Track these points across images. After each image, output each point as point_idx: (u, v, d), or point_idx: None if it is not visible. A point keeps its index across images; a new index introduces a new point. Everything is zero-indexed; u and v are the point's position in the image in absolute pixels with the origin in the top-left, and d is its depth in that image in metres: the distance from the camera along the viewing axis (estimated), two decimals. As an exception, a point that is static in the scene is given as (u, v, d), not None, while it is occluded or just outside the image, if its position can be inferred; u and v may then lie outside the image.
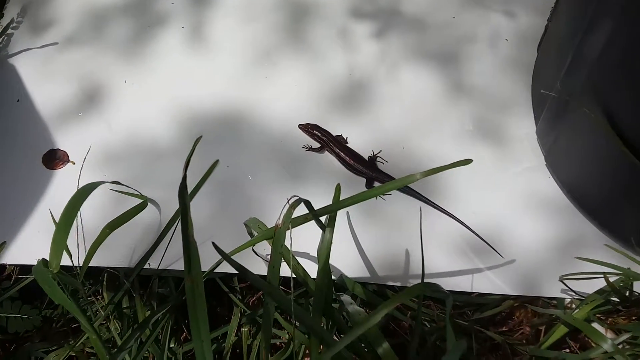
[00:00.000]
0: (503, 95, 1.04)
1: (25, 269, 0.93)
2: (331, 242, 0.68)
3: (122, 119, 1.04)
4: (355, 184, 0.98)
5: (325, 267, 0.67)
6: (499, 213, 0.93)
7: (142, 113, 1.04)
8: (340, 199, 0.72)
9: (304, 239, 0.76)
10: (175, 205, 0.61)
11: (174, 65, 1.09)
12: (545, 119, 0.98)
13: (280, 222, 0.60)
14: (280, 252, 0.60)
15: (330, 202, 0.69)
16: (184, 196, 0.51)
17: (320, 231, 0.72)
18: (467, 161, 0.60)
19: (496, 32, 1.12)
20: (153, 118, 1.04)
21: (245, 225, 0.81)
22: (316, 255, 0.74)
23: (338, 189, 0.71)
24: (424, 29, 1.12)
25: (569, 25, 0.91)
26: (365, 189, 0.93)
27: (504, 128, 1.01)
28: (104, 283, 0.92)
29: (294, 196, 0.62)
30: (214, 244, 0.58)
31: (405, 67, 1.09)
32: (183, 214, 0.50)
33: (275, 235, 0.60)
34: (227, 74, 1.08)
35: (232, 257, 0.69)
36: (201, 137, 0.59)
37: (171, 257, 0.86)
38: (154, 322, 0.82)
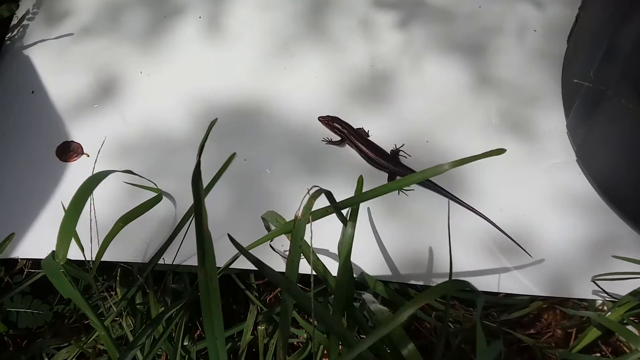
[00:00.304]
0: (531, 88, 1.01)
1: (37, 263, 0.90)
2: (353, 237, 0.64)
3: (137, 111, 1.01)
4: (376, 179, 0.94)
5: (346, 263, 0.64)
6: (527, 210, 0.89)
7: (158, 105, 1.02)
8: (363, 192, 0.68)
9: (324, 235, 0.72)
10: (190, 199, 0.59)
11: (191, 56, 1.07)
12: (577, 111, 0.94)
13: (299, 213, 0.56)
14: (299, 246, 0.56)
15: (352, 196, 0.65)
16: (198, 183, 0.48)
17: (341, 226, 0.69)
18: (501, 151, 0.56)
19: (524, 23, 1.09)
20: (168, 110, 1.01)
21: (263, 219, 0.77)
22: (336, 252, 0.71)
23: (361, 181, 0.67)
24: (449, 20, 1.09)
25: (602, 14, 0.87)
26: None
27: (532, 122, 0.98)
28: (117, 278, 0.89)
29: (315, 186, 0.58)
30: (229, 235, 0.55)
31: (429, 58, 1.05)
32: (196, 201, 0.47)
33: (295, 228, 0.57)
34: (245, 64, 1.05)
35: (250, 250, 0.67)
36: (216, 119, 0.56)
37: (186, 253, 0.84)
38: (167, 318, 0.79)
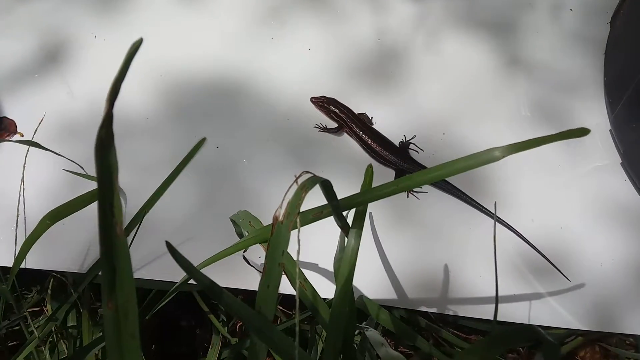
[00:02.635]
0: (567, 76, 0.91)
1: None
2: (357, 253, 0.46)
3: (86, 83, 0.88)
4: (380, 177, 0.80)
5: (346, 288, 0.46)
6: (564, 223, 0.79)
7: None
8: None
9: (313, 244, 0.59)
10: (147, 195, 0.52)
11: (158, 19, 0.94)
12: (626, 106, 0.81)
13: (281, 213, 0.37)
14: (279, 264, 0.37)
15: (357, 193, 0.47)
16: (106, 150, 0.28)
17: (336, 235, 0.51)
18: (584, 131, 0.37)
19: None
20: (127, 84, 0.81)
21: (232, 221, 0.58)
22: (331, 268, 0.53)
23: (370, 173, 0.49)
24: None
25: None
26: None
27: (569, 115, 0.87)
28: (49, 291, 0.75)
29: (305, 172, 0.39)
30: (167, 243, 0.36)
31: (448, 35, 0.94)
32: (101, 180, 0.27)
33: (273, 237, 0.38)
34: (224, 32, 0.93)
35: (215, 264, 0.57)
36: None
37: (138, 261, 0.73)
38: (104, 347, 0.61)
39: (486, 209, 0.77)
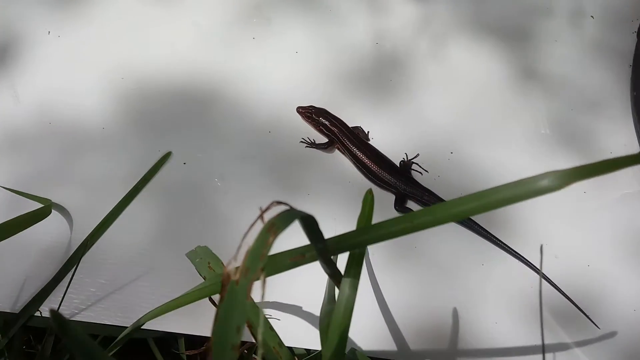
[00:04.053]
0: (591, 90, 0.84)
1: None
2: (353, 307, 0.35)
3: (35, 86, 0.81)
4: (378, 202, 0.69)
5: (338, 350, 0.33)
6: (592, 259, 0.72)
7: (67, 78, 0.81)
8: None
9: (295, 281, 0.51)
10: (98, 218, 0.49)
11: (121, 13, 0.87)
12: None
13: (235, 267, 0.25)
14: (232, 347, 0.25)
15: (352, 231, 0.36)
16: None
17: (323, 280, 0.40)
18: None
19: (578, 5, 0.92)
20: (83, 87, 0.81)
21: (190, 259, 0.47)
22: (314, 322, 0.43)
23: (369, 202, 0.37)
24: None
25: None
26: (396, 210, 0.73)
27: (593, 135, 0.80)
28: None
29: (277, 202, 0.28)
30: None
31: (455, 41, 0.87)
32: None
33: (224, 305, 0.25)
34: (197, 29, 0.86)
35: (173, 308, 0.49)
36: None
37: (84, 300, 0.64)
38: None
39: (502, 243, 0.70)
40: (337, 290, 0.39)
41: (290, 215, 0.27)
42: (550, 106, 0.82)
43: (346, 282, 0.36)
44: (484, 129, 0.80)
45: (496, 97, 0.83)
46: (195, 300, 0.42)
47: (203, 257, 0.43)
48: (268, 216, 0.27)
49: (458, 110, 0.81)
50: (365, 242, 0.34)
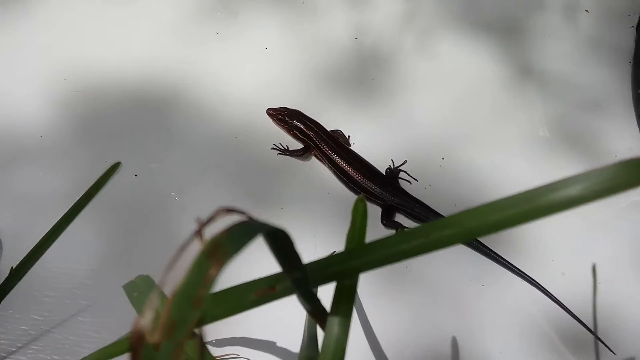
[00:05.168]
0: (591, 89, 0.81)
1: None
2: (344, 353, 0.27)
3: None
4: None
5: None
6: (603, 276, 0.64)
7: (2, 80, 0.74)
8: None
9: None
10: (30, 242, 0.43)
11: (66, 9, 0.79)
12: None
13: (153, 317, 0.16)
14: None
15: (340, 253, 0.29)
16: None
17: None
18: None
19: None
20: (18, 90, 0.73)
21: (126, 293, 0.38)
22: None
23: (360, 212, 0.30)
24: None
25: None
26: (383, 224, 0.66)
27: (595, 137, 0.76)
28: None
29: (227, 210, 0.19)
30: None
31: (443, 36, 0.82)
32: None
33: None
34: (155, 25, 0.79)
35: None
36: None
37: (14, 340, 0.56)
38: None
39: (504, 260, 0.64)
40: (319, 330, 0.30)
41: (247, 230, 0.18)
42: (548, 106, 0.77)
43: (334, 322, 0.27)
44: (477, 132, 0.75)
45: (489, 97, 0.78)
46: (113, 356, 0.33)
47: (143, 291, 0.34)
48: (214, 231, 0.18)
49: (448, 112, 0.76)
50: (360, 267, 0.26)
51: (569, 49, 0.84)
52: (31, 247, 0.51)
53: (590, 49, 0.83)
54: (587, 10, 0.86)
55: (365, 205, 0.29)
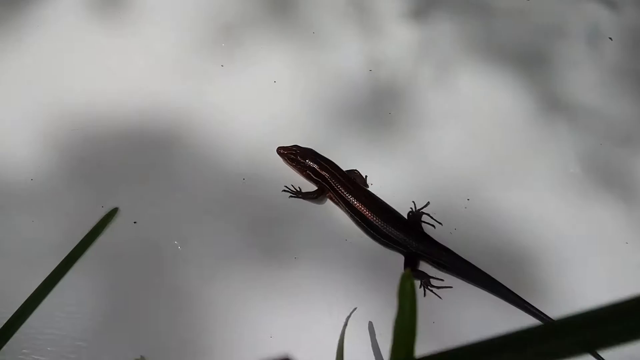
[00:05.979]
0: (622, 121, 0.77)
1: None
2: None
3: None
4: (381, 263, 0.61)
5: None
6: None
7: None
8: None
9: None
10: (20, 299, 0.33)
11: (64, 38, 0.75)
12: None
13: None
14: None
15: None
16: None
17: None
18: None
19: (593, 26, 0.85)
20: (5, 127, 0.68)
21: None
22: None
23: (408, 292, 0.23)
24: (489, 13, 0.84)
25: None
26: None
27: (630, 173, 0.72)
28: None
29: None
30: None
31: (464, 67, 0.78)
32: None
33: None
34: (156, 58, 0.74)
35: None
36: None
37: None
38: None
39: (535, 309, 0.58)
40: None
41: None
42: (578, 140, 0.74)
43: None
44: (503, 169, 0.70)
45: (515, 131, 0.73)
46: None
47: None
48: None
49: (471, 148, 0.71)
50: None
51: (595, 79, 0.81)
52: (18, 307, 0.47)
53: (617, 77, 0.81)
54: (610, 38, 0.82)
55: (413, 285, 0.24)
